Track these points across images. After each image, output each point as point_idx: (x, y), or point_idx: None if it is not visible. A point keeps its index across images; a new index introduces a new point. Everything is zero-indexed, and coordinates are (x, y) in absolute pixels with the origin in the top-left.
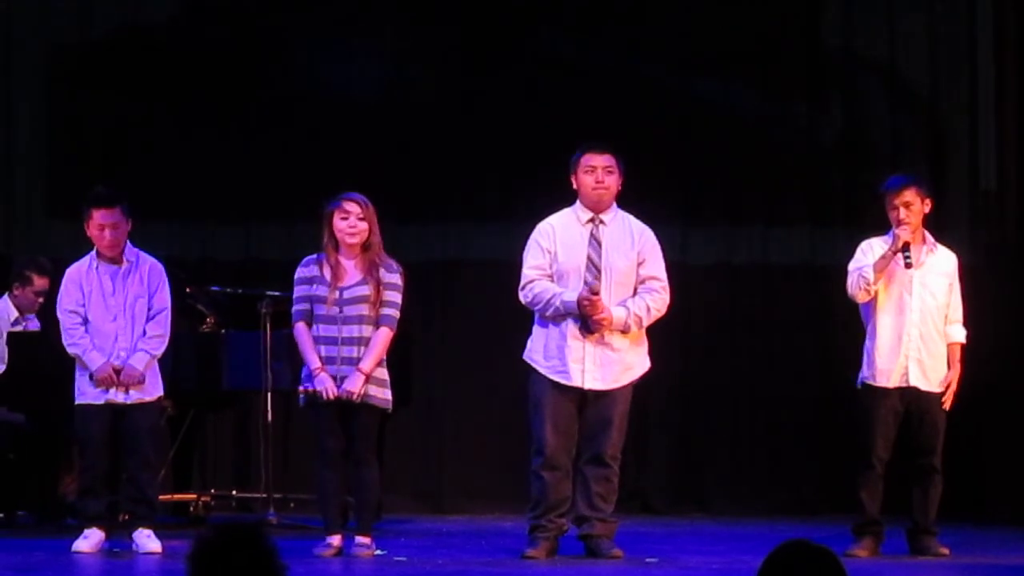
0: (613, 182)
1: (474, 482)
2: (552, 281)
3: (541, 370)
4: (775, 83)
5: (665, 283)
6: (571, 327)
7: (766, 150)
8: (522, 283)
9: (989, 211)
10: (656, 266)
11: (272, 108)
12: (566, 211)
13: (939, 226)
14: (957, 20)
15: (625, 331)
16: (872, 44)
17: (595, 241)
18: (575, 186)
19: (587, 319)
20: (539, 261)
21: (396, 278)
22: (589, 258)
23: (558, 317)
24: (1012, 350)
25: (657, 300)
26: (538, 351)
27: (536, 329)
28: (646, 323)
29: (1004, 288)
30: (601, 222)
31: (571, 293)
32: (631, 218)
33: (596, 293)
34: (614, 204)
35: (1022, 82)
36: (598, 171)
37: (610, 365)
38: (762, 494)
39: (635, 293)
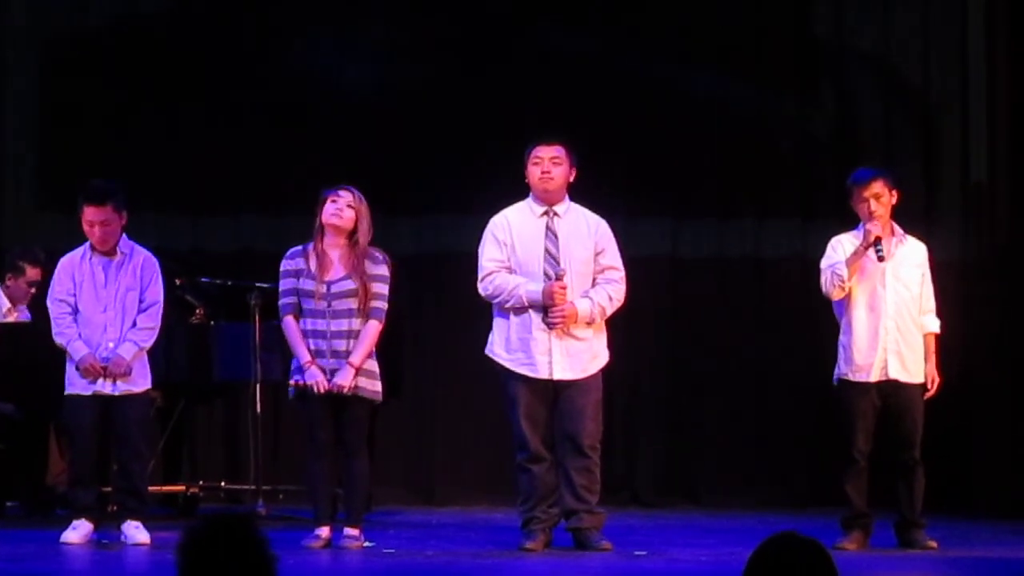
0: (559, 173)
1: (464, 474)
2: (511, 273)
3: (505, 364)
4: (766, 76)
5: (623, 273)
6: (535, 319)
7: (757, 143)
8: (481, 275)
9: (980, 204)
10: (614, 256)
11: (264, 100)
12: (520, 204)
13: (930, 219)
14: (949, 13)
15: (590, 322)
16: (863, 37)
17: (551, 233)
18: (527, 179)
19: (547, 312)
20: (496, 254)
21: (383, 269)
22: (547, 250)
23: (519, 309)
24: (1001, 343)
25: (618, 290)
26: (500, 344)
27: (497, 322)
28: (608, 313)
29: (994, 281)
30: (555, 214)
31: (533, 284)
32: (584, 210)
33: (561, 278)
34: (566, 197)
35: (1013, 74)
36: (544, 162)
37: (578, 355)
38: (752, 487)
39: (594, 283)
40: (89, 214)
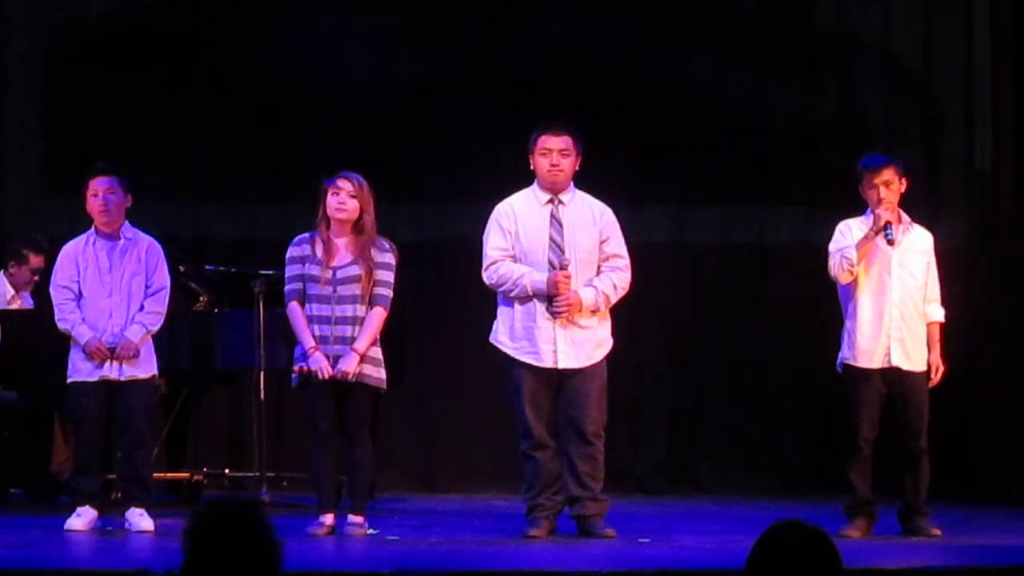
0: (568, 164)
1: (467, 461)
2: (515, 262)
3: (509, 352)
4: (770, 64)
5: (628, 260)
6: (539, 308)
7: (762, 131)
8: (485, 264)
9: (984, 190)
10: (618, 244)
11: (268, 88)
12: (525, 192)
13: (934, 206)
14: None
15: (595, 311)
16: (867, 24)
17: (556, 221)
18: (532, 167)
19: (552, 301)
20: (501, 242)
21: (388, 257)
22: (551, 238)
23: (524, 298)
24: (1005, 329)
25: (622, 278)
26: (504, 332)
27: (501, 310)
28: (613, 301)
29: (997, 268)
30: (560, 202)
31: (538, 274)
32: (589, 197)
33: (566, 268)
34: (571, 184)
35: (1017, 61)
36: (553, 154)
37: (582, 343)
38: (756, 474)
39: (598, 271)
40: (94, 185)
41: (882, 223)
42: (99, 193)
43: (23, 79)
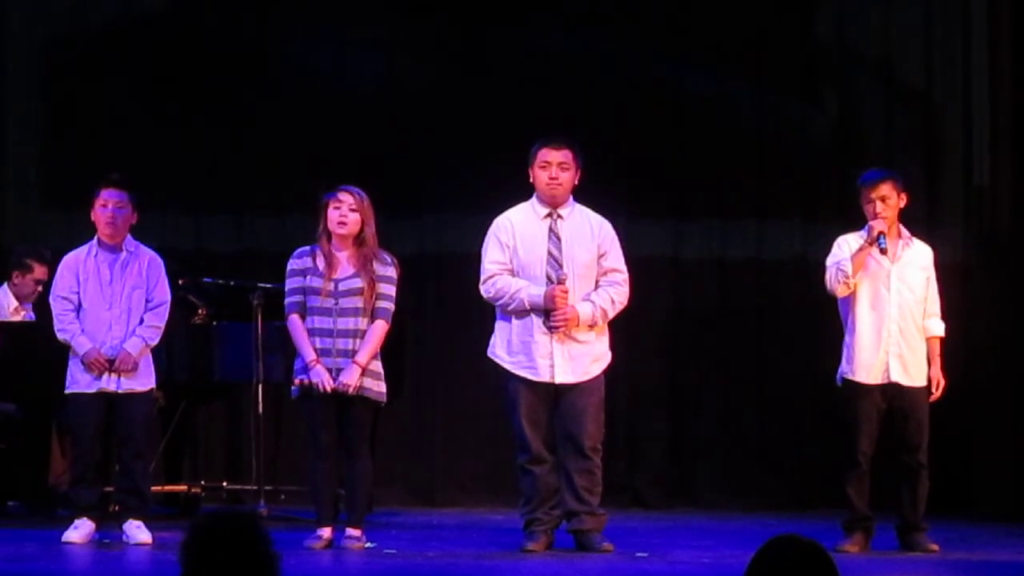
0: (567, 178)
1: (466, 475)
2: (513, 275)
3: (506, 366)
4: (769, 78)
5: (626, 275)
6: (536, 322)
7: (759, 145)
8: (483, 278)
9: (982, 206)
10: (617, 258)
11: (266, 99)
12: (523, 205)
13: (932, 221)
14: (952, 15)
15: (592, 325)
16: (867, 39)
17: (554, 236)
18: (532, 180)
19: (549, 315)
20: (499, 256)
21: (390, 271)
22: (550, 252)
23: (521, 312)
24: (1003, 345)
25: (620, 292)
26: (501, 347)
27: (499, 324)
28: (611, 315)
29: (996, 283)
30: (559, 216)
31: (535, 288)
32: (588, 211)
33: (563, 282)
34: (571, 198)
35: (1016, 77)
36: (552, 168)
37: (579, 357)
38: (753, 489)
39: (596, 285)
40: (104, 196)
41: (875, 234)
42: (109, 204)
43: (22, 90)
